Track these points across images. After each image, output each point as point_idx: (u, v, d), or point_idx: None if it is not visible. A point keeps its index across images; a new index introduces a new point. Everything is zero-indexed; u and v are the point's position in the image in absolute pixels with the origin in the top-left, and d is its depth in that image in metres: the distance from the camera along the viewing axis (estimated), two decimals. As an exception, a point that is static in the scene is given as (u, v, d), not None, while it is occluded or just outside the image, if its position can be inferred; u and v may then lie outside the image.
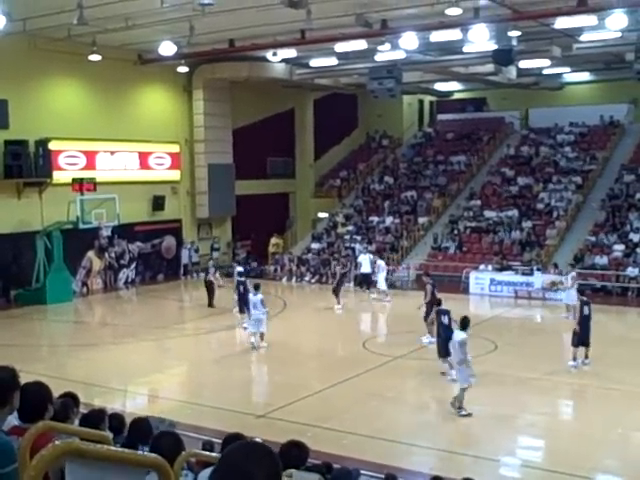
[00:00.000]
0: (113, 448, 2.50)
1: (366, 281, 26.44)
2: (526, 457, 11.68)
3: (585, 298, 16.99)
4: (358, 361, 16.85)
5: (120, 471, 2.26)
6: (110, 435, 4.97)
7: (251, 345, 18.08)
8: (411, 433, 12.40)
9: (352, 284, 27.57)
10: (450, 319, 15.29)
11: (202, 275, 30.65)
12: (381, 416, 13.00)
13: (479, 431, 12.46)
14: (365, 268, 26.67)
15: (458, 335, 13.32)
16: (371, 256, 27.13)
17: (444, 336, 15.05)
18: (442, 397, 14.56)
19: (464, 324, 13.49)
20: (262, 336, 18.09)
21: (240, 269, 24.00)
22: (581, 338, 15.96)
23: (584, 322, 16.06)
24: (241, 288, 20.75)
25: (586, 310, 16.22)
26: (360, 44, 24.26)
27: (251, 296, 18.70)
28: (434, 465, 11.05)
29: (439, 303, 16.65)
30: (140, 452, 2.53)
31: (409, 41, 22.74)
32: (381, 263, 25.82)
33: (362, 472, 8.92)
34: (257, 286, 18.88)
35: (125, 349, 18.83)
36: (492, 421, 12.88)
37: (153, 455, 2.48)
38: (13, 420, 4.62)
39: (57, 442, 2.16)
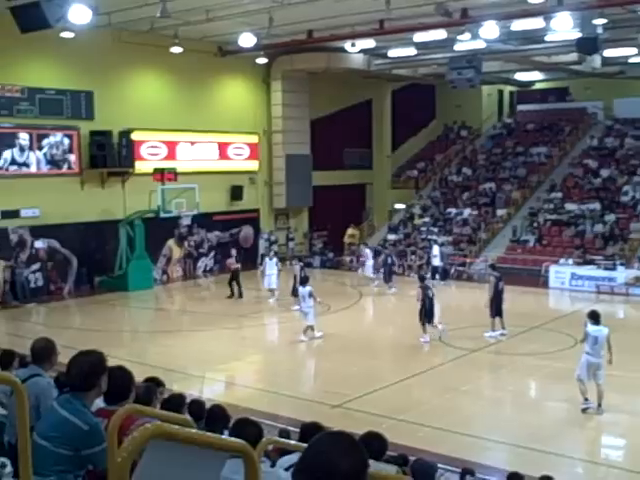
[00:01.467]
0: (201, 432, 2.55)
1: (436, 272, 26.63)
2: (606, 456, 11.40)
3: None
4: (433, 353, 16.73)
5: (202, 455, 2.30)
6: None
7: (308, 338, 17.87)
8: (487, 427, 12.25)
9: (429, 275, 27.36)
10: None
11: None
12: (456, 409, 12.89)
13: (558, 427, 12.19)
14: (436, 260, 26.84)
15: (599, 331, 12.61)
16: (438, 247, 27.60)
17: None
18: (518, 391, 14.38)
19: (596, 318, 12.75)
20: (311, 328, 17.92)
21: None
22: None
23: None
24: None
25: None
26: (439, 34, 23.99)
27: (300, 288, 18.53)
28: (510, 460, 10.90)
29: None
30: (225, 437, 2.57)
31: (490, 30, 22.35)
32: (368, 251, 27.21)
33: (438, 465, 8.88)
34: (306, 279, 18.83)
35: (203, 336, 19.18)
36: (572, 418, 12.60)
37: (239, 441, 2.52)
38: (99, 402, 4.78)
39: (148, 425, 2.22)
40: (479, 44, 24.93)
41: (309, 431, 6.34)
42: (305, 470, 1.94)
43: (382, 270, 25.95)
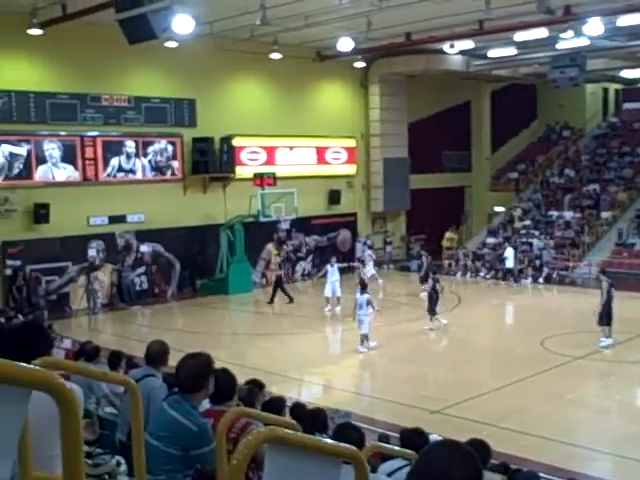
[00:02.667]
0: (313, 437, 2.59)
1: (510, 275, 27.07)
2: None
3: None
4: (535, 360, 16.33)
5: (316, 460, 2.33)
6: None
7: (365, 349, 17.49)
8: (592, 437, 11.88)
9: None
10: None
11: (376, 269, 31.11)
12: (560, 418, 12.55)
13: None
14: (509, 262, 27.19)
15: None
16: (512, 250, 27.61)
17: None
18: (625, 401, 13.89)
19: None
20: (366, 338, 17.46)
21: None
22: None
23: None
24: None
25: None
26: (541, 32, 23.45)
27: (357, 295, 17.79)
28: (616, 472, 10.54)
29: None
30: (337, 443, 2.60)
31: (594, 27, 21.72)
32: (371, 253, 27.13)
33: (541, 475, 8.68)
34: (364, 286, 18.23)
35: (300, 339, 19.36)
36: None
37: (351, 447, 2.54)
38: (205, 403, 4.93)
39: (261, 429, 2.27)
40: (583, 41, 24.27)
41: (411, 437, 6.32)
42: (418, 478, 1.95)
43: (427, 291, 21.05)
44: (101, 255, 24.23)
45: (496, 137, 37.91)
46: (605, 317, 17.17)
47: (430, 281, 20.20)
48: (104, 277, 24.31)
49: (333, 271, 22.67)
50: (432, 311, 19.53)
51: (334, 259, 23.52)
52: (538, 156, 37.52)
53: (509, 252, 27.46)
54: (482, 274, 29.00)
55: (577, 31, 23.17)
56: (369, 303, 17.50)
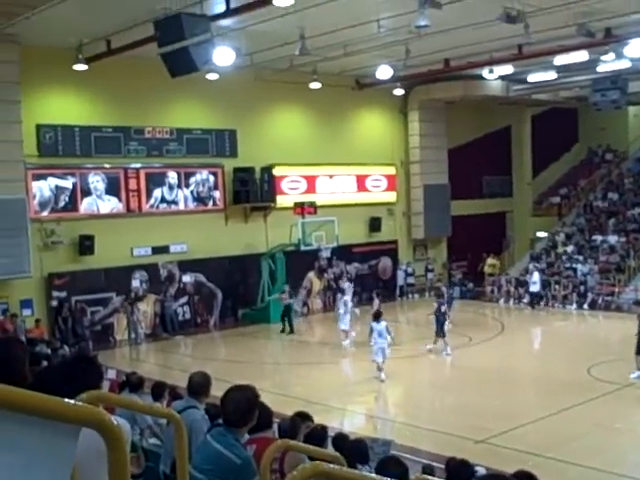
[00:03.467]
0: (357, 472, 2.57)
1: (537, 298, 27.33)
2: None
3: None
4: (582, 388, 16.00)
5: None
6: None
7: (382, 376, 17.30)
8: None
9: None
10: None
11: (417, 296, 30.95)
12: (610, 448, 12.26)
13: None
14: (535, 286, 27.37)
15: None
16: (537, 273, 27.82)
17: None
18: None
19: None
20: (379, 368, 17.28)
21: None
22: None
23: None
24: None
25: None
26: (581, 55, 23.31)
27: (374, 325, 17.64)
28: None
29: None
30: (383, 478, 2.58)
31: (635, 49, 21.51)
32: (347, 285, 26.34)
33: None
34: (379, 314, 18.10)
35: (342, 368, 19.27)
36: None
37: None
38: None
39: (307, 464, 2.26)
40: (624, 64, 24.05)
41: (456, 468, 6.23)
42: None
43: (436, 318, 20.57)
44: (144, 286, 24.50)
45: (537, 161, 37.60)
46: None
47: (435, 304, 20.77)
48: (147, 307, 24.56)
49: (342, 303, 22.28)
50: (440, 333, 19.84)
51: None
52: (580, 180, 37.09)
53: (536, 276, 27.59)
54: (525, 300, 28.61)
55: (618, 53, 22.98)
56: (387, 330, 17.55)
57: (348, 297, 23.58)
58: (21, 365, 3.46)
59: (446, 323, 20.31)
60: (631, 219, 31.84)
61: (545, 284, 28.63)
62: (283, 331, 24.19)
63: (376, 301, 23.50)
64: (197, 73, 17.37)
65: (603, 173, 36.99)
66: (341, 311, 21.95)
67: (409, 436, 13.10)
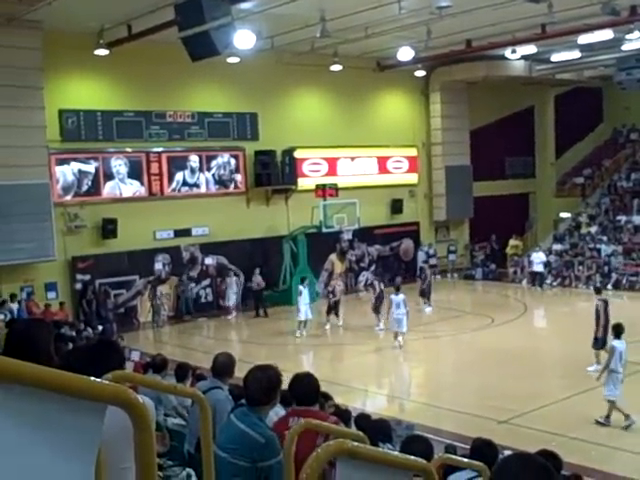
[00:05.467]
0: (381, 450, 2.59)
1: (539, 278, 27.66)
2: None
3: None
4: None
5: (386, 473, 2.32)
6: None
7: (397, 344, 18.70)
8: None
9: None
10: None
11: (438, 277, 30.87)
12: (633, 429, 12.20)
13: None
14: (538, 266, 27.67)
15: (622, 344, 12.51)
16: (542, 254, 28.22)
17: None
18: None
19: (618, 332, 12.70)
20: (402, 336, 18.76)
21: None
22: None
23: None
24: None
25: None
26: (606, 34, 23.00)
27: (393, 296, 19.13)
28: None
29: None
30: (408, 456, 2.60)
31: (661, 27, 21.22)
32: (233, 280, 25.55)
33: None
34: (398, 287, 19.68)
35: (365, 350, 19.30)
36: None
37: (420, 459, 2.54)
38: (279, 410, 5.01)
39: (330, 442, 2.28)
40: (650, 42, 23.71)
41: (480, 448, 6.24)
42: None
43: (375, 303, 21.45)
44: (167, 268, 24.66)
45: (560, 142, 37.22)
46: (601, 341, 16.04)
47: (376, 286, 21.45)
48: (170, 290, 24.72)
49: (306, 293, 21.39)
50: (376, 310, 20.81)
51: (307, 281, 22.11)
52: (604, 160, 36.67)
53: (541, 256, 28.08)
54: (548, 281, 28.47)
55: (644, 32, 22.66)
56: (404, 302, 18.86)
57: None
58: (47, 345, 3.53)
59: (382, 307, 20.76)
60: (656, 199, 31.50)
61: (568, 265, 28.50)
62: (258, 315, 24.41)
63: (377, 286, 23.21)
64: (218, 57, 17.41)
65: (628, 153, 36.54)
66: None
67: (431, 416, 13.16)
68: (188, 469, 4.59)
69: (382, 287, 21.55)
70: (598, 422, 12.26)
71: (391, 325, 19.11)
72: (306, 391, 5.04)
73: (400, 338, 18.79)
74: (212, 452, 3.64)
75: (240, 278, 26.14)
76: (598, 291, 17.82)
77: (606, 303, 16.55)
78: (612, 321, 15.72)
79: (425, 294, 24.31)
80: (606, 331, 15.65)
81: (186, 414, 7.41)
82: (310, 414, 4.76)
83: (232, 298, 24.94)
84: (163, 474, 4.54)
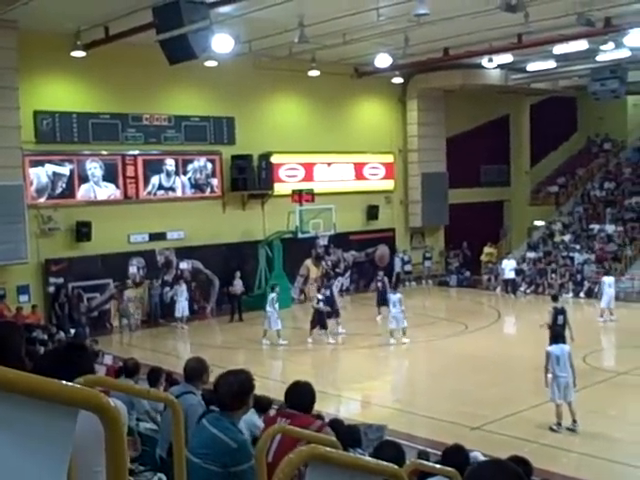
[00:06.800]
0: (354, 455, 2.61)
1: (511, 286, 28.06)
2: None
3: None
4: (577, 376, 16.07)
5: (358, 479, 2.33)
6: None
7: (395, 341, 19.83)
8: (634, 454, 11.65)
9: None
10: None
11: (414, 284, 31.01)
12: (603, 435, 12.35)
13: None
14: (510, 274, 28.10)
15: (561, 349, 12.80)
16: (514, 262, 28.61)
17: None
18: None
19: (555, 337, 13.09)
20: (404, 331, 19.94)
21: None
22: None
23: None
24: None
25: None
26: (581, 44, 23.27)
27: (391, 295, 20.43)
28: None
29: None
30: (379, 461, 2.62)
31: (635, 38, 21.53)
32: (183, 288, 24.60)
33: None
34: (396, 286, 21.64)
35: (339, 355, 19.34)
36: None
37: (391, 465, 2.55)
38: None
39: (303, 448, 2.29)
40: (624, 53, 24.03)
41: (452, 454, 6.28)
42: None
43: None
44: (141, 272, 24.52)
45: (535, 151, 37.61)
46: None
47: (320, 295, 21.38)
48: (144, 294, 24.56)
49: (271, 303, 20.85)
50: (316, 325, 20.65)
51: (274, 294, 21.14)
52: (578, 169, 37.09)
53: (507, 263, 28.37)
54: (522, 289, 28.71)
55: (617, 43, 22.97)
56: (400, 302, 19.90)
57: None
58: (18, 349, 3.50)
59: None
60: (628, 208, 31.91)
61: (541, 272, 28.79)
62: (232, 320, 24.34)
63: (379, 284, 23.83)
64: (195, 60, 17.33)
65: (601, 162, 37.00)
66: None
67: (405, 422, 13.20)
68: (160, 474, 4.57)
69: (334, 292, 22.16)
70: (552, 429, 12.41)
71: (389, 322, 20.17)
72: (300, 399, 5.18)
73: (400, 335, 19.91)
74: (184, 457, 3.63)
75: (215, 282, 26.04)
76: (555, 298, 18.02)
77: (557, 311, 16.78)
78: (573, 328, 16.04)
79: (384, 303, 23.87)
80: (556, 339, 15.82)
81: (158, 419, 7.37)
82: (296, 418, 4.78)
83: (182, 307, 23.96)
84: (134, 479, 4.51)
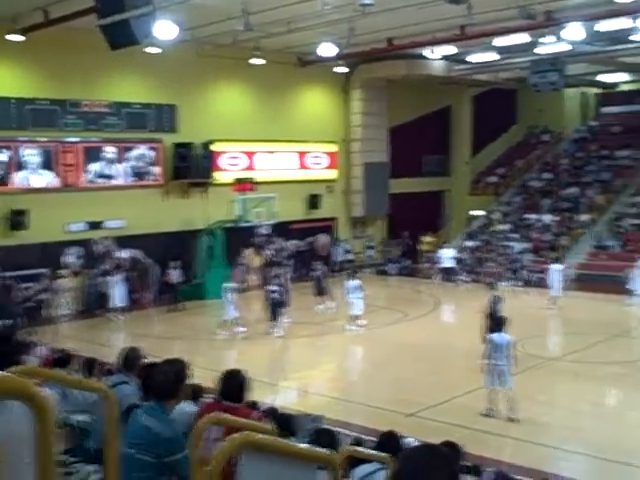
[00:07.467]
0: (288, 442, 2.66)
1: (450, 274, 28.45)
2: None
3: None
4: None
5: (291, 465, 2.39)
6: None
7: (355, 327, 20.20)
8: (565, 438, 12.05)
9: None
10: None
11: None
12: (533, 419, 12.68)
13: (638, 439, 11.83)
14: (448, 262, 28.50)
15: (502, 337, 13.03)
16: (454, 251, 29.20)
17: None
18: (598, 401, 14.10)
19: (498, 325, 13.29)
20: (358, 317, 20.35)
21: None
22: None
23: None
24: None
25: None
26: (522, 37, 23.69)
27: (349, 282, 20.70)
28: (589, 472, 10.74)
29: None
30: (313, 448, 2.69)
31: (574, 32, 22.02)
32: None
33: (514, 476, 8.83)
34: (354, 272, 21.80)
35: (279, 345, 19.38)
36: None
37: (325, 451, 2.61)
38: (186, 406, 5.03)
39: (236, 435, 2.32)
40: (563, 46, 24.55)
41: (386, 440, 6.42)
42: None
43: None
44: (79, 261, 24.09)
45: (476, 141, 38.15)
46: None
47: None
48: (81, 284, 24.17)
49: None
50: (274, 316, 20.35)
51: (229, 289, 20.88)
52: (517, 160, 37.82)
53: (445, 252, 28.90)
54: (461, 277, 29.17)
55: (557, 36, 23.43)
56: (359, 288, 20.32)
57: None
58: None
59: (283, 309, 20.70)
60: (565, 199, 32.67)
61: (480, 261, 29.33)
62: (171, 310, 24.20)
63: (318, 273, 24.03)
64: (138, 46, 17.09)
65: (539, 154, 37.80)
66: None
67: (342, 410, 13.34)
68: (92, 465, 4.57)
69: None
70: (484, 414, 12.72)
71: (349, 309, 20.46)
72: (232, 388, 5.28)
73: (359, 321, 20.27)
74: (117, 448, 3.66)
75: (156, 271, 25.77)
76: (491, 287, 18.31)
77: (495, 299, 17.13)
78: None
79: (323, 292, 23.74)
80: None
81: (92, 410, 7.31)
82: (231, 409, 4.82)
83: (118, 298, 23.43)
84: (65, 470, 4.51)
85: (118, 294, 23.39)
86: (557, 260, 24.31)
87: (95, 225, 24.28)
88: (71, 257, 23.81)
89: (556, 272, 23.12)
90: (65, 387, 5.07)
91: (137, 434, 4.37)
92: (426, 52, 26.72)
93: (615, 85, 37.94)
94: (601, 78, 35.39)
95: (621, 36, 24.42)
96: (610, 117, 38.34)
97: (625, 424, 12.59)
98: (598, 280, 25.13)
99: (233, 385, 5.34)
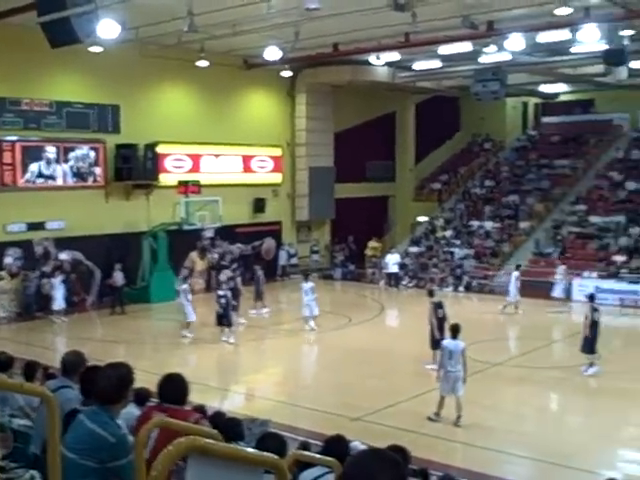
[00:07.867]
0: (235, 447, 2.59)
1: (394, 279, 28.86)
2: (629, 471, 11.28)
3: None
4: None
5: (238, 470, 2.33)
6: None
7: (309, 328, 20.43)
8: (509, 442, 12.19)
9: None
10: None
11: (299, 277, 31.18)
12: (478, 424, 12.82)
13: (578, 443, 12.07)
14: (393, 267, 28.89)
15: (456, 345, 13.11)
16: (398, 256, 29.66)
17: None
18: (540, 405, 14.32)
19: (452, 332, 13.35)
20: (314, 318, 20.58)
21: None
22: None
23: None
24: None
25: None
26: (465, 46, 23.99)
27: (303, 284, 20.85)
28: (532, 475, 10.88)
29: None
30: (260, 452, 2.62)
31: (515, 42, 22.42)
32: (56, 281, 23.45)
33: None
34: (307, 275, 22.08)
35: (224, 349, 19.22)
36: (592, 433, 12.52)
37: (271, 455, 2.56)
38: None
39: (182, 439, 2.26)
40: (504, 56, 24.94)
41: (332, 444, 6.36)
42: None
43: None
44: (18, 263, 23.52)
45: (420, 148, 38.57)
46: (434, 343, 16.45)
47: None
48: (19, 285, 23.58)
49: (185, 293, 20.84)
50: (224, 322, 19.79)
51: (185, 285, 21.37)
52: (460, 167, 38.37)
53: (391, 257, 29.27)
54: (405, 282, 29.41)
55: (499, 46, 23.81)
56: (312, 290, 20.56)
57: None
58: None
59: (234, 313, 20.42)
60: (506, 206, 33.22)
61: (423, 267, 29.61)
62: (114, 313, 23.84)
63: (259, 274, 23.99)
64: (80, 45, 16.71)
65: (481, 161, 38.40)
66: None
67: (288, 415, 13.27)
68: (33, 471, 4.41)
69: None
70: (430, 419, 12.80)
71: (303, 311, 20.63)
72: (173, 392, 5.20)
73: (312, 322, 20.46)
74: (59, 453, 3.52)
75: (97, 273, 25.33)
76: (430, 294, 18.39)
77: (436, 305, 17.10)
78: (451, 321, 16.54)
79: (260, 296, 23.76)
80: (441, 331, 16.21)
81: (33, 414, 7.10)
82: (171, 411, 4.72)
83: (58, 300, 22.88)
84: (5, 476, 4.34)
85: (58, 296, 22.84)
86: (517, 268, 24.57)
87: (35, 226, 23.70)
88: (9, 258, 23.23)
89: (515, 279, 23.48)
90: (5, 391, 4.89)
91: (80, 439, 4.22)
92: (371, 58, 26.87)
93: (555, 95, 38.79)
94: (542, 88, 36.12)
95: (560, 48, 24.95)
96: (550, 127, 39.18)
97: (565, 428, 12.85)
98: (538, 286, 25.56)
99: (172, 388, 5.25)
